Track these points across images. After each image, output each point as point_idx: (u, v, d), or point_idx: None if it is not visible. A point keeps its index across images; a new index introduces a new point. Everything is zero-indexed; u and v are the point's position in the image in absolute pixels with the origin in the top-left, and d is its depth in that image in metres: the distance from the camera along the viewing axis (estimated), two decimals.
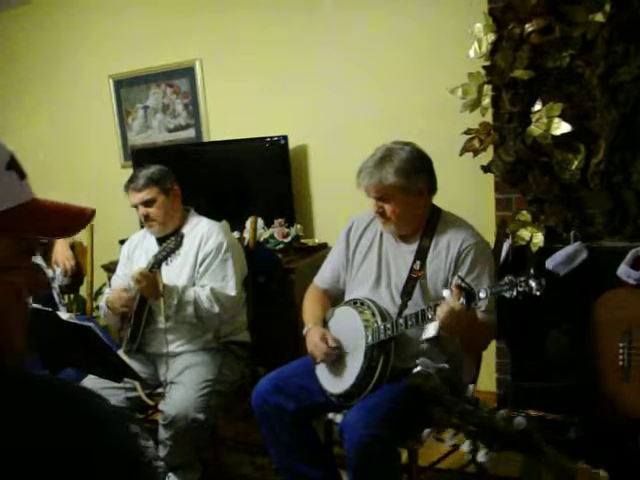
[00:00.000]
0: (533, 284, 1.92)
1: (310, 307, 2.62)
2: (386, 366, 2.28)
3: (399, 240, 2.44)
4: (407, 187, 2.30)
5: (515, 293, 1.95)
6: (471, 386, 1.32)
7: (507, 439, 1.26)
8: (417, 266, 2.36)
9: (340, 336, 2.43)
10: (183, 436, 2.54)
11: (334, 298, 2.65)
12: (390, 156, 2.31)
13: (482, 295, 2.01)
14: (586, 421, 2.71)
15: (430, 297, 2.33)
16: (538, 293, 1.91)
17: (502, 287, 1.98)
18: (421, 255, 2.37)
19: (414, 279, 2.35)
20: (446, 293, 2.07)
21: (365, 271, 2.49)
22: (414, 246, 2.40)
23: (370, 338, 2.30)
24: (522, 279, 1.94)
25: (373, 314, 2.33)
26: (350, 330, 2.38)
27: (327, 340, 2.39)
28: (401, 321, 2.25)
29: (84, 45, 4.63)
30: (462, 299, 2.01)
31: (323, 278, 2.67)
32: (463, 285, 2.03)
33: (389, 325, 2.27)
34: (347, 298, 2.53)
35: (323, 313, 2.56)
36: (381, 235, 2.49)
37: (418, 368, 1.30)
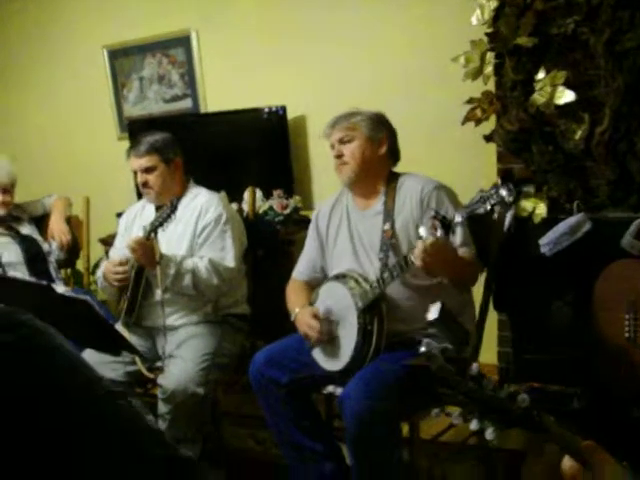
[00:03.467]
0: (503, 192, 1.91)
1: (293, 297, 2.62)
2: (381, 329, 2.26)
3: (364, 207, 2.48)
4: (369, 134, 2.42)
5: (489, 207, 1.94)
6: (475, 365, 1.29)
7: (511, 416, 1.24)
8: (387, 227, 2.37)
9: (329, 312, 2.40)
10: (182, 410, 2.52)
11: (315, 288, 2.62)
12: (359, 110, 2.49)
13: (458, 219, 1.98)
14: (589, 392, 2.69)
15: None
16: (511, 199, 1.90)
17: (475, 205, 1.97)
18: (388, 215, 2.39)
19: (387, 240, 2.36)
20: (422, 230, 2.04)
21: (341, 248, 2.51)
22: (379, 209, 2.42)
23: (360, 303, 2.28)
24: (492, 191, 1.94)
25: (357, 281, 2.33)
26: (338, 303, 2.37)
27: (318, 317, 2.37)
28: (386, 275, 2.24)
29: (77, 15, 4.54)
30: (439, 230, 1.99)
31: (301, 270, 2.68)
32: (437, 217, 2.01)
33: (375, 283, 2.26)
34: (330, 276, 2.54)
35: (308, 299, 2.54)
36: (347, 212, 2.52)
37: (422, 349, 1.28)
